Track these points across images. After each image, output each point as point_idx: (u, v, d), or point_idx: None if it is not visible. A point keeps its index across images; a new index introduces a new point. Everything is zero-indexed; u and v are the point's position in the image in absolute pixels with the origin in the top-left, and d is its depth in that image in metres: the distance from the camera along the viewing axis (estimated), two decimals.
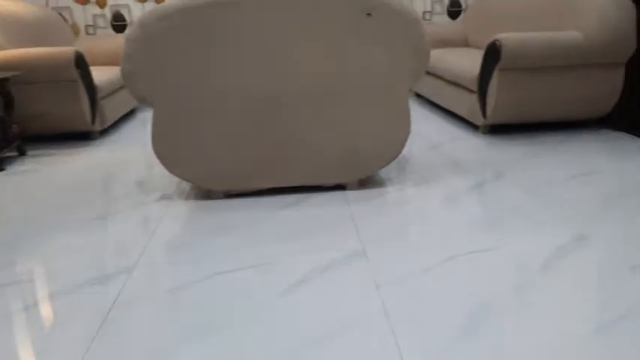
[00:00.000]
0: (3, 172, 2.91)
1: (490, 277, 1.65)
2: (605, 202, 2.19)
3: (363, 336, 1.40)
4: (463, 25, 4.81)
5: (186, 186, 2.56)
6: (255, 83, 2.23)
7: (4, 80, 3.05)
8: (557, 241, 1.86)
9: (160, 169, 2.80)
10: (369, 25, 2.20)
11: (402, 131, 2.36)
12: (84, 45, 4.51)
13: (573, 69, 3.11)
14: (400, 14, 2.20)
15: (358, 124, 2.32)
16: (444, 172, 2.64)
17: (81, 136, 3.61)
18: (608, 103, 3.23)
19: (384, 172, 2.65)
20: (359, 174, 2.41)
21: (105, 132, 3.78)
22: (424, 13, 5.19)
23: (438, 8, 5.19)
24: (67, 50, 3.30)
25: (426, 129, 3.57)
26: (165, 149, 2.28)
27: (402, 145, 2.38)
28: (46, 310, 1.57)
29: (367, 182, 2.50)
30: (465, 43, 4.74)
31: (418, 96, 4.78)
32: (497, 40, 3.02)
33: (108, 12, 4.96)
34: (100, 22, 4.97)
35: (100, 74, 3.71)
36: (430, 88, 4.17)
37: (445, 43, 4.68)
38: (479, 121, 3.32)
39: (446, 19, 5.22)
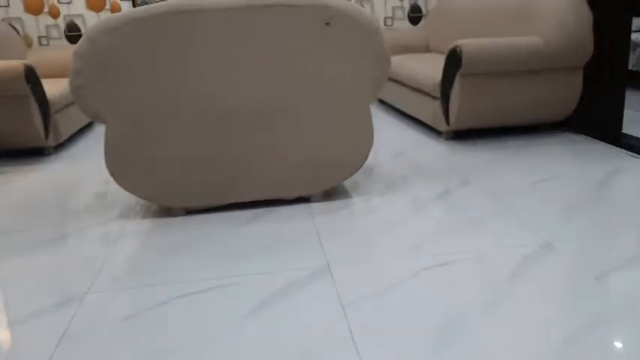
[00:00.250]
0: None
1: (458, 291, 1.61)
2: (569, 209, 2.18)
3: None
4: (424, 31, 4.82)
5: (144, 202, 2.47)
6: (209, 96, 2.15)
7: None
8: (523, 250, 1.84)
9: (117, 184, 2.70)
10: (328, 35, 2.15)
11: (364, 142, 2.31)
12: (37, 56, 4.34)
13: (534, 73, 3.12)
14: (359, 23, 2.16)
15: (319, 136, 2.27)
16: (409, 181, 2.61)
17: (34, 152, 3.47)
18: (568, 106, 3.25)
19: (349, 182, 2.61)
20: (322, 186, 2.35)
21: (60, 147, 3.64)
22: (385, 18, 5.19)
23: (399, 14, 5.20)
24: (16, 64, 3.16)
25: (390, 136, 3.54)
26: (119, 166, 2.19)
27: (366, 156, 2.33)
28: None
29: (332, 193, 2.45)
30: (426, 49, 4.75)
31: (381, 102, 4.76)
32: (457, 46, 3.01)
33: (61, 22, 4.81)
34: (54, 32, 4.82)
35: (54, 87, 3.58)
36: (393, 94, 4.15)
37: (407, 49, 4.68)
38: (442, 127, 3.31)
39: (407, 24, 5.23)
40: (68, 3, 4.77)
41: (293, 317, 1.53)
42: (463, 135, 3.39)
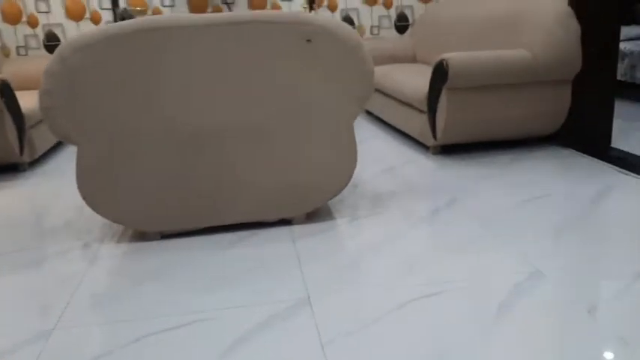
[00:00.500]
0: None
1: (445, 326, 1.53)
2: (558, 232, 2.11)
3: None
4: (411, 40, 4.76)
5: (119, 225, 2.37)
6: (182, 116, 2.06)
7: None
8: (513, 278, 1.77)
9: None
10: (309, 52, 2.07)
11: (347, 163, 2.23)
12: (14, 67, 4.23)
13: (522, 87, 3.06)
14: (342, 40, 2.08)
15: (299, 157, 2.18)
16: (395, 200, 2.53)
17: (9, 169, 3.35)
18: (556, 120, 3.20)
19: (333, 201, 2.53)
20: (304, 208, 2.27)
21: (36, 162, 3.53)
22: (372, 27, 5.12)
23: (385, 23, 5.14)
24: None
25: (377, 149, 3.47)
26: (92, 190, 2.09)
27: (349, 178, 2.25)
28: None
29: (315, 215, 2.37)
30: (413, 59, 4.69)
31: (368, 113, 4.69)
32: (443, 59, 2.95)
33: (40, 32, 4.70)
34: (33, 42, 4.71)
35: (29, 101, 3.47)
36: (380, 105, 4.08)
37: (393, 59, 4.62)
38: (429, 141, 3.24)
39: (394, 33, 5.17)
40: (47, 12, 4.65)
41: (270, 356, 1.44)
42: (451, 149, 3.32)
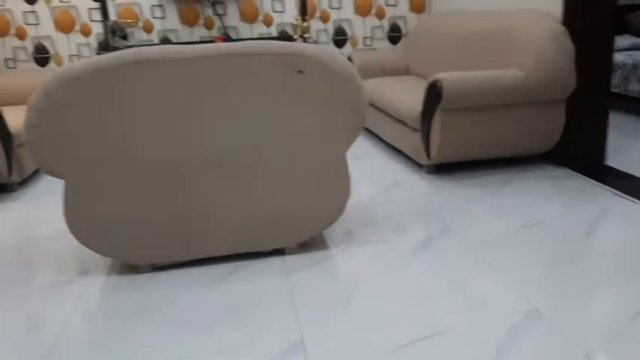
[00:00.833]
0: None
1: None
2: (554, 264, 2.09)
3: None
4: (403, 52, 4.73)
5: None
6: (170, 148, 2.02)
7: None
8: (508, 320, 1.74)
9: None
10: (301, 83, 2.04)
11: (340, 193, 2.20)
12: (2, 80, 4.16)
13: (516, 107, 3.04)
14: (334, 71, 2.04)
15: (290, 188, 2.15)
16: (389, 227, 2.50)
17: None
18: (551, 138, 3.18)
19: (326, 230, 2.49)
20: (296, 238, 2.24)
21: (25, 182, 3.48)
22: (364, 38, 5.09)
23: (378, 33, 5.10)
24: None
25: (371, 167, 3.43)
26: (79, 223, 2.05)
27: (342, 208, 2.22)
28: None
29: (308, 244, 2.33)
30: (405, 71, 4.65)
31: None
32: (437, 80, 2.92)
33: (29, 44, 4.63)
34: (21, 54, 4.64)
35: (17, 118, 3.41)
36: (373, 120, 4.05)
37: (385, 71, 4.58)
38: (423, 160, 3.21)
39: (387, 44, 5.14)
40: (36, 24, 4.59)
41: None
42: (445, 167, 3.29)
